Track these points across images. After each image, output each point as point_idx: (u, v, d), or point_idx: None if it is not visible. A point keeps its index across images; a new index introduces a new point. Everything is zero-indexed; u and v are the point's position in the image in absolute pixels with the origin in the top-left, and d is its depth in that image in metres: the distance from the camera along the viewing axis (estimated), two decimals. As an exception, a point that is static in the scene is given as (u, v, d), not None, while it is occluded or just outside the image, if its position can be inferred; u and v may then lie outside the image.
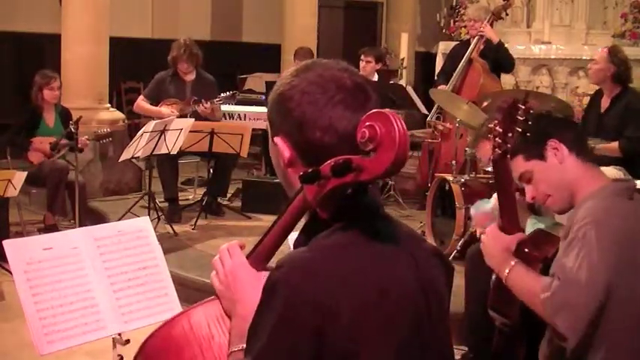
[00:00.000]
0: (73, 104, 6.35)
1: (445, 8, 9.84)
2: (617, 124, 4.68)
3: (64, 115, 5.94)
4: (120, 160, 5.75)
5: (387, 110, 1.11)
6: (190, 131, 5.52)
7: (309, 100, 1.19)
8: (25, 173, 5.06)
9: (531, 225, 3.33)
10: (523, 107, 2.23)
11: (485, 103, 4.88)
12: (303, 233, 1.25)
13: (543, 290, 2.05)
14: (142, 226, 2.61)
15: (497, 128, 2.26)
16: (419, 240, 1.34)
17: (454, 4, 9.54)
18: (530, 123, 2.23)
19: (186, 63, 6.22)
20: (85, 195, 5.73)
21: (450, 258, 4.43)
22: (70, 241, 2.44)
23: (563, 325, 2.00)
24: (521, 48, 8.27)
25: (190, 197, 6.71)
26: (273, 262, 1.30)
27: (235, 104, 7.28)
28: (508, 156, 2.28)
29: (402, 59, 7.83)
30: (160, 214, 5.64)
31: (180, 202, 6.15)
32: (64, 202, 5.71)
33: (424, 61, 10.84)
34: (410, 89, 6.47)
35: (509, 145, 2.25)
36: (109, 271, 2.45)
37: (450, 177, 4.92)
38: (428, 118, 6.23)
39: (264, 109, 7.17)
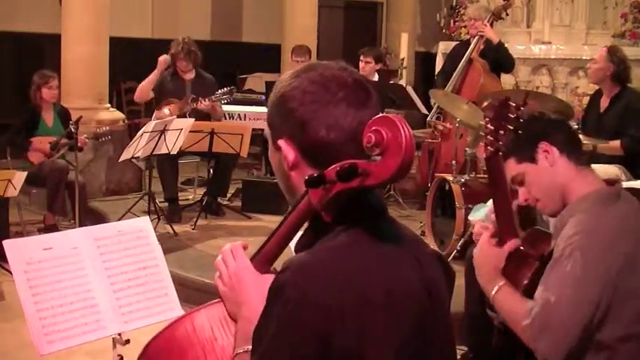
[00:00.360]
0: (73, 104, 6.35)
1: (445, 8, 9.84)
2: (617, 124, 4.68)
3: (63, 114, 5.94)
4: (120, 160, 5.75)
5: (393, 115, 1.11)
6: (190, 131, 5.52)
7: (312, 99, 1.19)
8: (25, 173, 5.06)
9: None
10: (514, 105, 2.23)
11: (485, 103, 4.88)
12: (305, 235, 1.25)
13: (525, 317, 2.06)
14: (142, 226, 2.61)
15: (489, 126, 2.26)
16: (421, 243, 1.35)
17: (454, 4, 9.55)
18: (521, 121, 2.23)
19: (184, 61, 6.22)
20: (85, 195, 5.73)
21: (450, 258, 4.43)
22: (70, 241, 2.44)
23: (544, 350, 2.02)
24: (521, 48, 8.28)
25: (190, 197, 6.71)
26: (277, 265, 1.30)
27: (235, 104, 7.28)
28: (500, 154, 2.28)
29: (402, 59, 7.83)
30: (160, 214, 5.64)
31: (180, 202, 6.15)
32: (64, 202, 5.71)
33: (424, 61, 10.84)
34: (410, 89, 6.47)
35: (501, 143, 2.25)
36: (109, 271, 2.45)
37: (450, 177, 4.92)
38: (428, 118, 6.22)
39: (264, 109, 7.17)
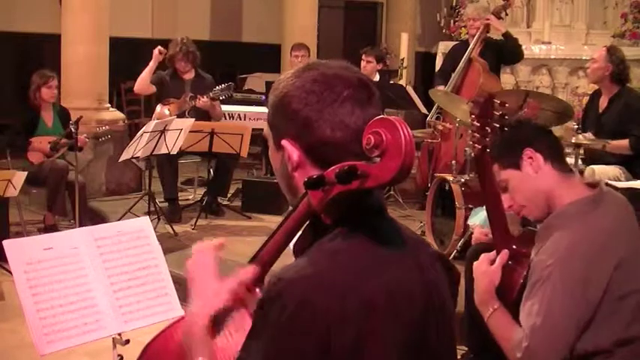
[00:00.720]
0: (73, 104, 6.35)
1: (445, 8, 9.84)
2: (616, 124, 4.68)
3: (63, 115, 5.94)
4: (120, 160, 5.75)
5: (393, 117, 1.11)
6: (190, 131, 5.52)
7: (317, 99, 1.18)
8: (25, 173, 5.06)
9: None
10: (498, 102, 2.23)
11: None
12: (304, 236, 1.24)
13: (516, 348, 2.08)
14: (142, 226, 2.61)
15: (475, 123, 2.26)
16: (423, 244, 1.33)
17: (454, 4, 9.55)
18: (506, 118, 2.23)
19: (183, 62, 6.23)
20: (85, 195, 5.73)
21: (450, 258, 4.43)
22: (70, 241, 2.44)
23: None
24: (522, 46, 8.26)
25: (190, 197, 6.71)
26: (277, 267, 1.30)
27: (235, 104, 7.28)
28: (488, 150, 2.28)
29: (402, 59, 7.82)
30: (160, 214, 5.64)
31: (180, 202, 6.15)
32: (64, 202, 5.71)
33: (424, 61, 10.84)
34: (410, 89, 6.46)
35: (487, 140, 2.25)
36: (109, 271, 2.45)
37: (450, 177, 4.92)
38: (428, 118, 6.22)
39: (264, 109, 7.17)
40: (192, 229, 5.64)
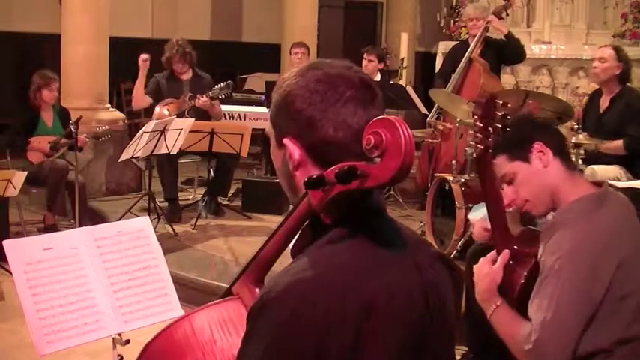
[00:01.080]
0: (73, 104, 6.36)
1: (445, 8, 9.84)
2: (617, 124, 4.67)
3: (63, 115, 5.94)
4: (120, 160, 5.75)
5: (393, 117, 1.11)
6: (190, 131, 5.52)
7: (321, 99, 1.17)
8: (25, 173, 5.06)
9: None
10: (500, 102, 2.23)
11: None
12: (303, 236, 1.23)
13: (525, 341, 2.08)
14: (142, 226, 2.61)
15: (478, 124, 2.26)
16: (423, 244, 1.32)
17: (454, 4, 9.54)
18: (509, 118, 2.23)
19: (180, 63, 6.23)
20: (85, 195, 5.73)
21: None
22: (70, 241, 2.44)
23: None
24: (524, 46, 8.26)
25: (190, 197, 6.71)
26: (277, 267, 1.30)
27: (235, 104, 7.28)
28: (490, 151, 2.28)
29: (402, 59, 7.81)
30: (159, 214, 5.64)
31: (180, 202, 6.15)
32: (64, 202, 5.71)
33: (424, 61, 10.84)
34: (410, 89, 6.46)
35: (490, 140, 2.25)
36: (109, 271, 2.45)
37: (450, 177, 4.92)
38: (428, 118, 6.22)
39: (264, 109, 7.18)
40: (192, 229, 5.63)
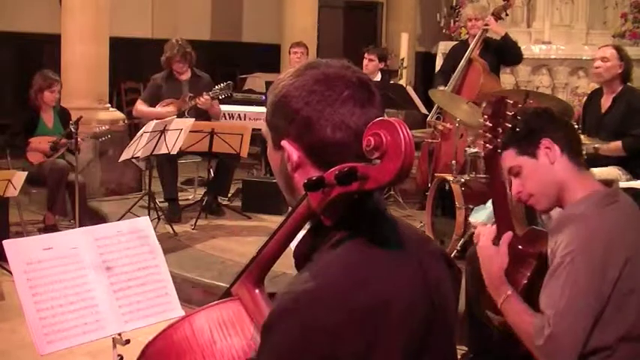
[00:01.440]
0: (73, 104, 6.35)
1: (445, 8, 9.84)
2: (619, 124, 4.65)
3: (63, 115, 5.94)
4: (120, 160, 5.75)
5: (393, 118, 1.11)
6: (190, 131, 5.52)
7: (318, 99, 1.16)
8: (25, 173, 5.06)
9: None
10: (511, 102, 2.23)
11: (485, 103, 4.87)
12: (304, 240, 1.23)
13: (536, 335, 2.07)
14: (142, 226, 2.61)
15: (487, 123, 2.26)
16: (425, 242, 1.31)
17: (454, 4, 9.54)
18: (519, 118, 2.23)
19: (180, 63, 6.22)
20: (85, 195, 5.73)
21: (450, 258, 4.43)
22: (70, 241, 2.44)
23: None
24: (521, 48, 8.26)
25: (190, 197, 6.70)
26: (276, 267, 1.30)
27: (235, 104, 7.28)
28: (499, 151, 2.28)
29: (402, 59, 7.81)
30: (159, 214, 5.64)
31: (180, 202, 6.15)
32: (64, 202, 5.71)
33: (424, 61, 10.84)
34: (410, 89, 6.46)
35: (499, 141, 2.25)
36: (109, 271, 2.45)
37: (450, 177, 4.91)
38: (428, 118, 6.22)
39: (264, 109, 7.11)
40: (192, 229, 5.63)
